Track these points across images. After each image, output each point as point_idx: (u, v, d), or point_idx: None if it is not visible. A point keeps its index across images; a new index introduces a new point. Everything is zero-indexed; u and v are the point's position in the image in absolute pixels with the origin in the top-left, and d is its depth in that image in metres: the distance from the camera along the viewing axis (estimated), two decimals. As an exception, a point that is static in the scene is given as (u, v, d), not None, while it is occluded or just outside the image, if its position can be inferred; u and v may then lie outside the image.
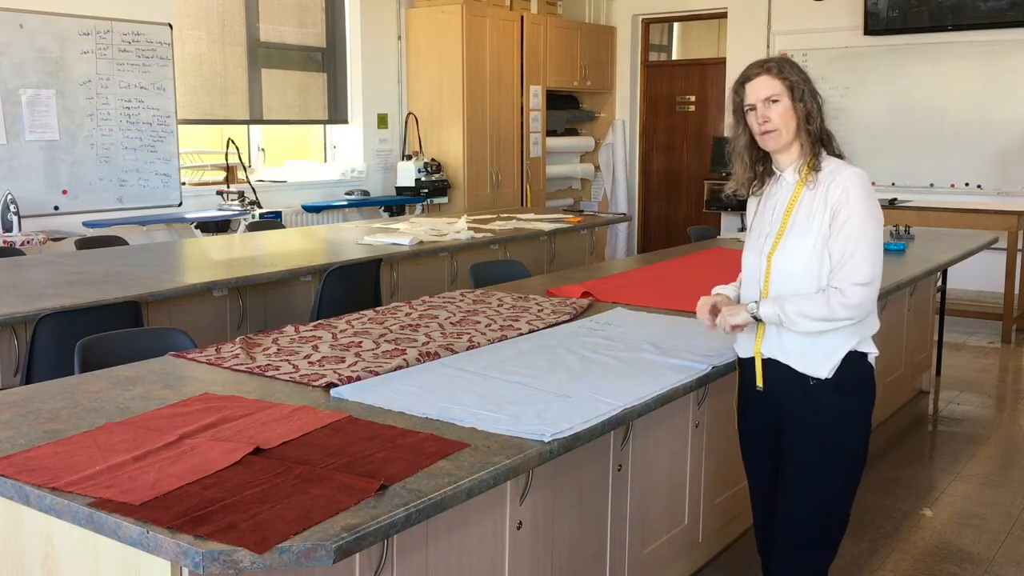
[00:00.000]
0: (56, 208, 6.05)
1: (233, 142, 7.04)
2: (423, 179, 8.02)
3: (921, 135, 8.25)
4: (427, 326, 3.19)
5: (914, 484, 4.28)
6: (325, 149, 8.31)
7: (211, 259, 4.82)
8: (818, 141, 2.40)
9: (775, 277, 2.42)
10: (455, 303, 3.60)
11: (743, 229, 3.64)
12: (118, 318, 3.45)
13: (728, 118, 2.52)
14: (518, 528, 2.37)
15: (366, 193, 7.97)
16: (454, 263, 5.31)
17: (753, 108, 2.39)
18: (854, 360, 2.39)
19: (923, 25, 8.07)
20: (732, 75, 8.88)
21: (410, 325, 3.21)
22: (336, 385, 2.48)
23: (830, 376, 2.37)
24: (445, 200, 8.18)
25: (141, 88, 6.44)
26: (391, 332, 3.10)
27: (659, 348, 2.90)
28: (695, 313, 2.62)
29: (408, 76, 8.38)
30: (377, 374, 2.60)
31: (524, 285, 4.10)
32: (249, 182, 7.18)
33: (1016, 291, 7.18)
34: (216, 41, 7.07)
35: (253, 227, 6.37)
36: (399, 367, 2.67)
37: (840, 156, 2.44)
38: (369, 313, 3.42)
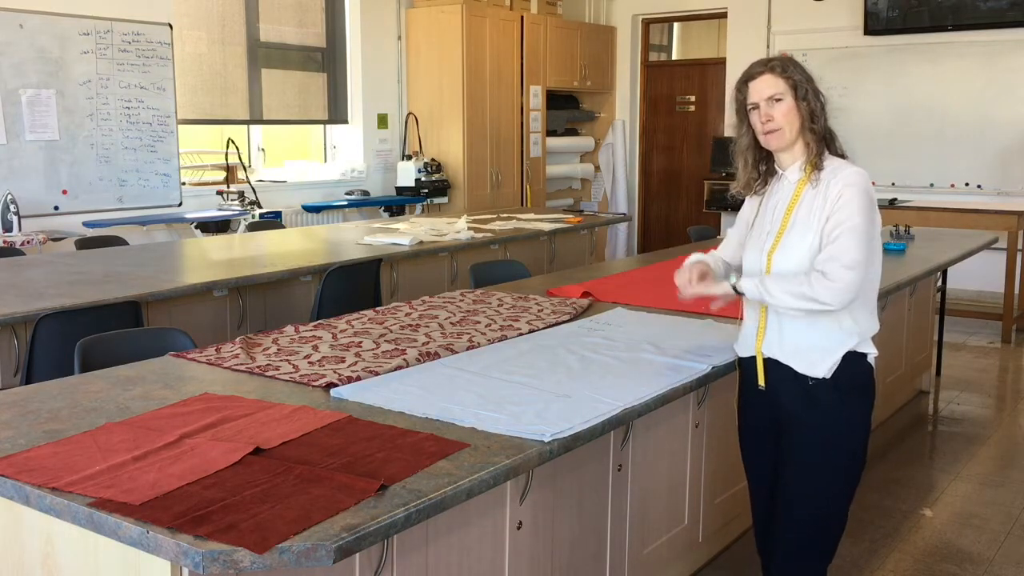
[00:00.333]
0: (56, 208, 6.05)
1: (233, 142, 7.04)
2: (423, 179, 8.02)
3: (921, 135, 8.24)
4: (427, 326, 3.19)
5: (914, 484, 4.28)
6: (325, 149, 8.31)
7: (211, 259, 4.82)
8: (821, 140, 2.40)
9: (774, 274, 2.42)
10: (455, 303, 3.60)
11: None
12: (118, 318, 3.45)
13: (730, 117, 2.51)
14: (518, 528, 2.37)
15: (366, 193, 7.97)
16: (454, 263, 5.31)
17: (756, 107, 2.38)
18: (854, 360, 2.39)
19: (923, 25, 8.07)
20: (732, 75, 8.91)
21: (410, 325, 3.21)
22: (336, 385, 2.48)
23: (830, 376, 2.37)
24: (445, 200, 8.18)
25: (141, 88, 6.44)
26: (391, 332, 3.10)
27: (659, 348, 2.90)
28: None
29: (408, 76, 8.39)
30: (377, 374, 2.60)
31: (524, 285, 4.10)
32: (249, 182, 7.18)
33: (1016, 291, 7.18)
34: (216, 41, 7.07)
35: (253, 227, 6.37)
36: (399, 367, 2.67)
37: (843, 156, 2.44)
38: (369, 313, 3.42)
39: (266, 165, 7.74)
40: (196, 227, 6.49)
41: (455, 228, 5.68)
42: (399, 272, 4.99)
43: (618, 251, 9.75)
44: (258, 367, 2.67)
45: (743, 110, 2.43)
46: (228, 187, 7.06)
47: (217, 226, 6.58)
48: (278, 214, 6.94)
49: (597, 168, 10.00)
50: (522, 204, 8.71)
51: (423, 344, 2.92)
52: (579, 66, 9.39)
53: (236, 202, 6.86)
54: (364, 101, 8.11)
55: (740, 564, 3.41)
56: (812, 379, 2.39)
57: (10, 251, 5.04)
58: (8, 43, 5.75)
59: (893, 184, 8.20)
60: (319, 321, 3.32)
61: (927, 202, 7.65)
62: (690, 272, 2.53)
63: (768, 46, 8.84)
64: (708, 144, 9.63)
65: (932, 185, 8.21)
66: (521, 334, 3.11)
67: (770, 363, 2.46)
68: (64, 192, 6.08)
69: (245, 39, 7.28)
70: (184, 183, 6.86)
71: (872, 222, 2.35)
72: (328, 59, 7.99)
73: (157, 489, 1.76)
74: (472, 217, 6.40)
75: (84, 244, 5.38)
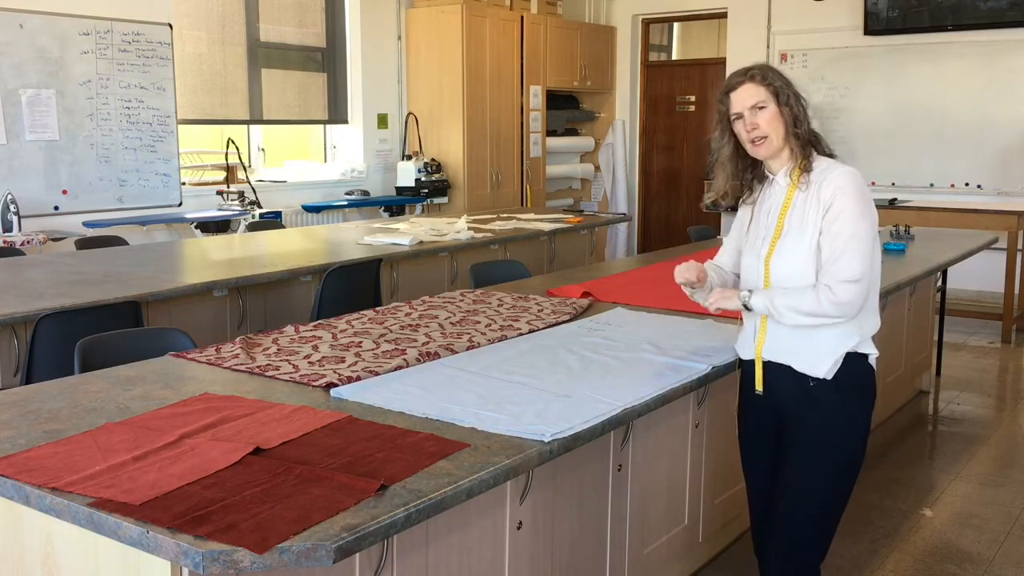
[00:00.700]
0: (56, 208, 6.05)
1: (233, 142, 7.04)
2: (423, 179, 8.02)
3: (921, 135, 8.24)
4: (427, 326, 3.19)
5: (914, 484, 4.28)
6: (325, 149, 8.31)
7: (211, 259, 4.82)
8: (807, 143, 2.41)
9: (774, 280, 2.42)
10: (455, 303, 3.60)
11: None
12: (118, 318, 3.45)
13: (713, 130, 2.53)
14: (518, 528, 2.37)
15: (366, 193, 7.97)
16: (454, 263, 5.31)
17: (740, 116, 2.40)
18: (854, 360, 2.39)
19: (923, 25, 8.07)
20: (732, 75, 8.87)
21: (410, 325, 3.21)
22: (336, 385, 2.48)
23: (830, 376, 2.37)
24: (445, 200, 8.18)
25: (141, 88, 6.44)
26: (391, 332, 3.10)
27: (659, 348, 2.90)
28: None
29: (408, 76, 8.38)
30: (377, 374, 2.60)
31: (524, 285, 4.10)
32: (249, 182, 7.18)
33: (1016, 291, 7.18)
34: (216, 41, 7.07)
35: (253, 227, 6.37)
36: (399, 367, 2.67)
37: (831, 155, 2.45)
38: (369, 313, 3.42)
39: (266, 165, 7.74)
40: (196, 227, 6.49)
41: (455, 228, 5.68)
42: (399, 272, 4.99)
43: (618, 251, 9.75)
44: (258, 367, 2.67)
45: (725, 121, 2.45)
46: (228, 187, 7.06)
47: (217, 226, 6.58)
48: (278, 214, 6.94)
49: (597, 168, 10.00)
50: (522, 204, 8.71)
51: (423, 344, 2.92)
52: (579, 66, 9.39)
53: (236, 202, 6.86)
54: (364, 101, 8.11)
55: (740, 564, 3.41)
56: (813, 379, 2.39)
57: (10, 251, 5.04)
58: (8, 43, 5.75)
59: (893, 184, 8.19)
60: (319, 321, 3.32)
61: (927, 202, 7.65)
62: (689, 274, 2.53)
63: (768, 46, 8.84)
64: (708, 144, 9.60)
65: (932, 185, 8.20)
66: (521, 334, 3.11)
67: (770, 366, 2.46)
68: (64, 192, 6.08)
69: (245, 39, 7.28)
70: (184, 183, 6.86)
71: (871, 225, 2.35)
72: (328, 59, 7.99)
73: (157, 489, 1.76)
74: (472, 217, 6.40)
75: (84, 244, 5.39)
